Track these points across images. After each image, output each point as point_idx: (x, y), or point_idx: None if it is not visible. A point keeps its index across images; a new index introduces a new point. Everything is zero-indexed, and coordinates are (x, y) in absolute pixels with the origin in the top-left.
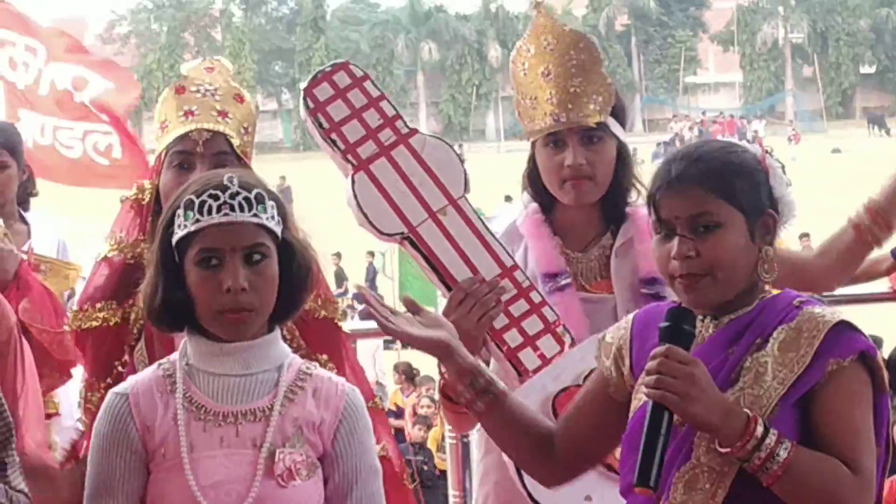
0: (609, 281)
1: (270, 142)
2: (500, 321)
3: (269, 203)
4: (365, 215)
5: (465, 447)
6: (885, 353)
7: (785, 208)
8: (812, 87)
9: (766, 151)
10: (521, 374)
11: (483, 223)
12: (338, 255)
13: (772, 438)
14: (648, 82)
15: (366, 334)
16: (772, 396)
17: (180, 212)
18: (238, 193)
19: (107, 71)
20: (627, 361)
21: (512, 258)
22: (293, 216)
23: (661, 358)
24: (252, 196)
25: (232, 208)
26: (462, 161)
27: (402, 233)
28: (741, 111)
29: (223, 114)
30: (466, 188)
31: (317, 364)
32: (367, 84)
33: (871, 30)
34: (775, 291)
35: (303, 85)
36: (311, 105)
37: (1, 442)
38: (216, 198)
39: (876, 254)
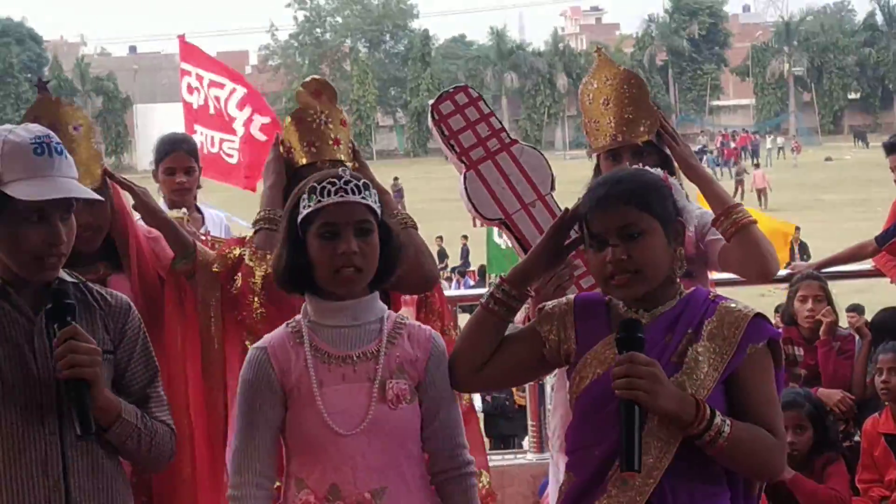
0: None
1: (387, 150)
2: (572, 291)
3: (373, 191)
4: (472, 204)
5: (541, 387)
6: (868, 317)
7: (688, 216)
8: (810, 110)
9: (667, 173)
10: None
11: None
12: (440, 237)
13: (718, 419)
14: (681, 105)
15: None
16: (710, 381)
17: (304, 196)
18: (350, 181)
19: (255, 98)
20: (572, 334)
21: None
22: (400, 207)
23: (627, 364)
24: (360, 184)
25: (346, 191)
26: (549, 166)
27: (501, 218)
28: (754, 128)
29: (337, 142)
30: (553, 187)
31: (406, 316)
32: (481, 103)
33: (856, 65)
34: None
35: (431, 101)
36: (437, 117)
37: (148, 379)
38: (334, 184)
39: (863, 240)
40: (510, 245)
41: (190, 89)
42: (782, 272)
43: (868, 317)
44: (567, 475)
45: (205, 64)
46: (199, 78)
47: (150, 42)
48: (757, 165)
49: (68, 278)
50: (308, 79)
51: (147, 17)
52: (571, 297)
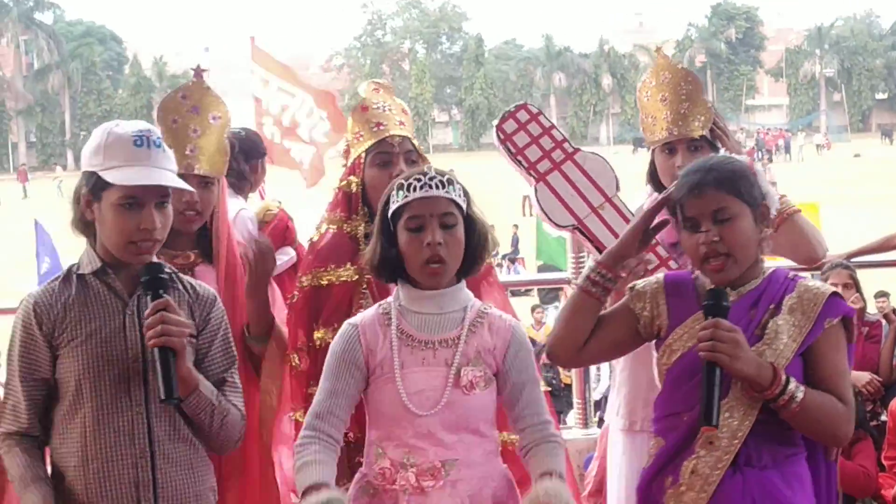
0: None
1: (443, 144)
2: None
3: (457, 185)
4: (545, 213)
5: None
6: (893, 303)
7: (771, 200)
8: (840, 109)
9: (752, 160)
10: None
11: (630, 213)
12: (492, 226)
13: (793, 385)
14: (719, 104)
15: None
16: (789, 351)
17: (394, 193)
18: (434, 177)
19: (319, 97)
20: (664, 310)
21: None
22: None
23: (713, 329)
24: (444, 179)
25: (431, 186)
26: (613, 169)
27: (573, 224)
28: (787, 126)
29: (402, 123)
30: (618, 188)
31: (491, 305)
32: (541, 118)
33: (884, 67)
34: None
35: (495, 122)
36: (502, 136)
37: (225, 366)
38: (419, 180)
39: (890, 232)
40: (561, 235)
41: (259, 88)
42: None
43: (894, 304)
44: (656, 440)
45: (273, 67)
46: (266, 81)
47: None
48: (770, 160)
49: (164, 266)
50: (368, 81)
51: (220, 18)
52: (661, 275)
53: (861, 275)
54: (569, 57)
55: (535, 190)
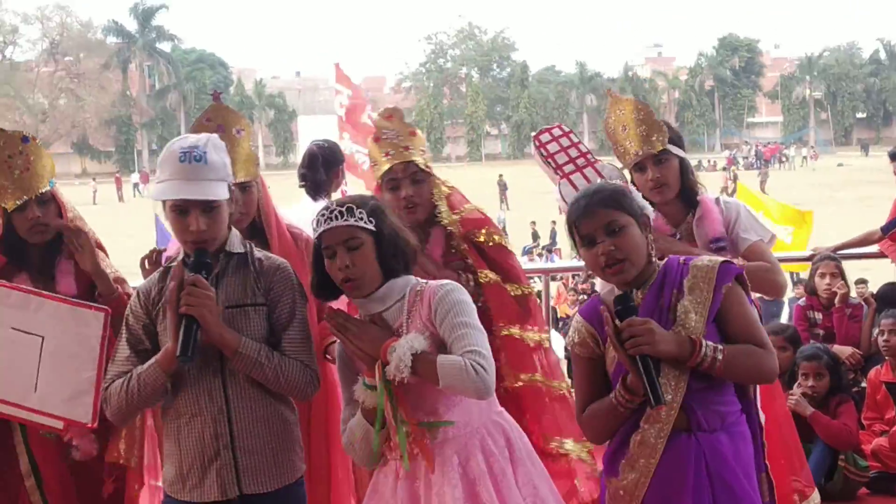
0: (694, 242)
1: (493, 153)
2: None
3: (358, 211)
4: (566, 203)
5: None
6: (873, 290)
7: (649, 212)
8: (826, 126)
9: (626, 182)
10: None
11: None
12: (533, 222)
13: (708, 347)
14: (725, 121)
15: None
16: (699, 325)
17: (312, 227)
18: (334, 210)
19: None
20: (599, 339)
21: None
22: (507, 198)
23: (627, 328)
24: (344, 209)
25: (331, 219)
26: (624, 177)
27: None
28: (782, 140)
29: (407, 148)
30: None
31: (427, 282)
32: (571, 135)
33: (863, 90)
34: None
35: (534, 133)
36: (538, 144)
37: (289, 324)
38: (323, 215)
39: (869, 229)
40: None
41: (341, 106)
42: (805, 253)
43: (873, 289)
44: None
45: (352, 88)
46: (345, 100)
47: (311, 67)
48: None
49: (236, 249)
50: (382, 109)
51: (309, 46)
52: (577, 317)
53: (845, 265)
54: (599, 81)
55: (560, 185)
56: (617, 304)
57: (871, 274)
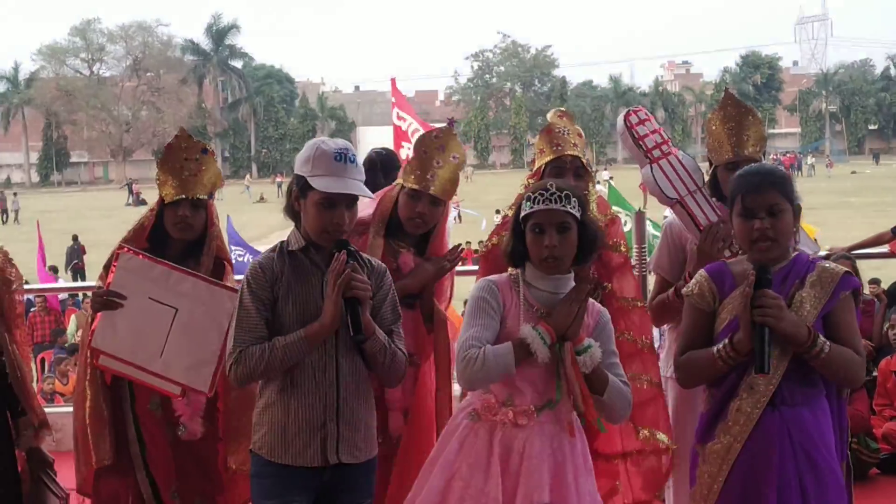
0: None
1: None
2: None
3: (573, 199)
4: (659, 187)
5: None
6: (885, 287)
7: (800, 202)
8: (840, 137)
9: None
10: None
11: (710, 203)
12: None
13: (821, 340)
14: None
15: None
16: (811, 317)
17: (524, 202)
18: (554, 193)
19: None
20: (718, 295)
21: None
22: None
23: (762, 297)
24: (562, 195)
25: (551, 201)
26: (700, 169)
27: (676, 198)
28: (799, 150)
29: (575, 145)
30: (704, 182)
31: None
32: (653, 120)
33: (875, 104)
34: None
35: (623, 112)
36: (628, 124)
37: (393, 320)
38: (542, 195)
39: (880, 231)
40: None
41: (398, 118)
42: (822, 252)
43: (885, 286)
44: (709, 391)
45: (405, 104)
46: (402, 114)
47: (370, 82)
48: None
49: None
50: (554, 109)
51: (368, 62)
52: (702, 272)
53: (859, 264)
54: (631, 95)
55: (651, 168)
56: (757, 273)
57: (883, 273)
